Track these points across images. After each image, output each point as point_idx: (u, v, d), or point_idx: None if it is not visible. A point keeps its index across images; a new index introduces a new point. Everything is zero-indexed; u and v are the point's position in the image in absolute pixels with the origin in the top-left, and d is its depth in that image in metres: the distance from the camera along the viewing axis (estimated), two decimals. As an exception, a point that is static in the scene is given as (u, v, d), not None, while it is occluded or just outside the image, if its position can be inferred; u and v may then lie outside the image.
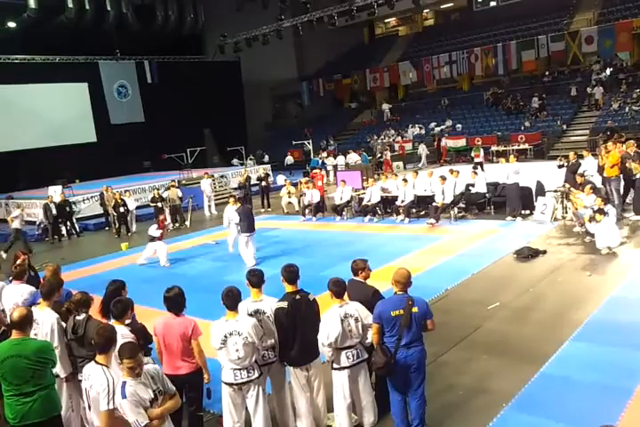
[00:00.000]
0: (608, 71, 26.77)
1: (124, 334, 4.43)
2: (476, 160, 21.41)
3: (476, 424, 4.83)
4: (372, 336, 4.80)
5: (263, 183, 19.45)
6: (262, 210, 18.64)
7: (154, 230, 11.95)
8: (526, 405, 5.08)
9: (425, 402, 4.61)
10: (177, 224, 17.23)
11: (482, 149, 22.47)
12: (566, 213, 12.30)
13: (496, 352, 6.26)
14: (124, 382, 3.71)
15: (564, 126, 25.62)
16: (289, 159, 32.06)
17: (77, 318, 4.81)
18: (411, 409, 4.62)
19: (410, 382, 4.56)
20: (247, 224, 10.99)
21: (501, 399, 5.18)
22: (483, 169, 20.14)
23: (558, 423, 4.73)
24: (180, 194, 17.63)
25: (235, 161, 31.58)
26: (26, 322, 4.25)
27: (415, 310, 4.45)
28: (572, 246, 10.32)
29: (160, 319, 4.81)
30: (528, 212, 13.10)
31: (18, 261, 7.23)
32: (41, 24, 26.02)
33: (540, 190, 13.11)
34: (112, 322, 4.65)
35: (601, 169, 12.70)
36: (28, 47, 26.85)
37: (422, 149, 27.04)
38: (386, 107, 34.56)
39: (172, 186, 17.92)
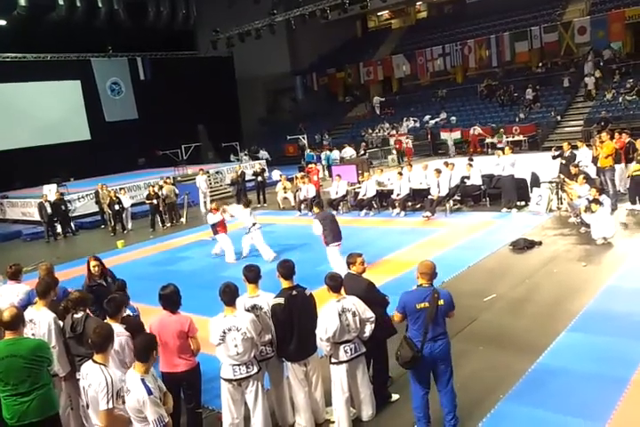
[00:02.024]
0: (597, 65, 26.73)
1: (118, 332, 4.44)
2: (499, 146, 22.32)
3: (475, 416, 4.86)
4: (369, 331, 4.83)
5: (259, 178, 19.43)
6: (258, 205, 18.65)
7: (211, 217, 11.48)
8: (523, 396, 5.11)
9: (456, 396, 4.60)
10: (173, 221, 17.21)
11: (504, 135, 23.80)
12: (561, 203, 12.33)
13: (493, 344, 6.29)
14: (143, 379, 3.76)
15: (559, 117, 25.61)
16: (264, 154, 30.99)
17: (75, 316, 4.80)
18: (443, 403, 4.60)
19: (439, 376, 4.55)
20: (335, 232, 9.24)
21: (498, 391, 5.22)
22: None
23: (555, 414, 4.76)
24: (177, 191, 17.63)
25: (240, 156, 31.13)
26: (17, 322, 4.22)
27: (441, 302, 4.42)
28: (567, 237, 10.35)
29: (156, 318, 4.82)
30: (523, 203, 13.12)
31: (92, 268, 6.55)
32: (32, 22, 25.80)
33: (535, 182, 13.14)
34: (107, 320, 4.65)
35: (595, 159, 12.73)
36: (20, 45, 26.64)
37: (449, 139, 26.88)
38: (377, 100, 34.43)
39: (166, 183, 17.91)
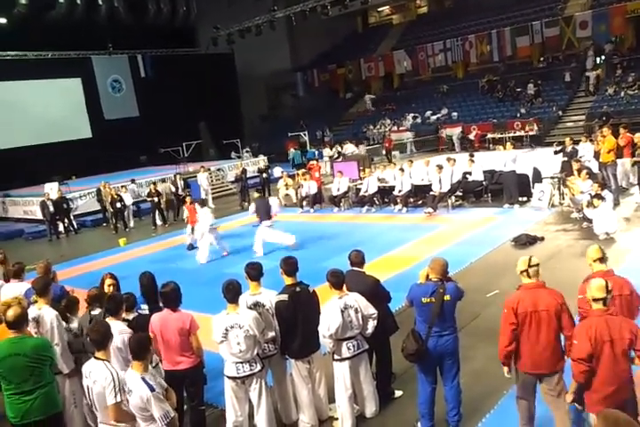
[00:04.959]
0: (598, 60, 26.61)
1: (121, 329, 4.44)
2: (531, 133, 23.66)
3: (478, 412, 4.86)
4: (372, 327, 4.83)
5: (264, 175, 19.42)
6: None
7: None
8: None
9: (461, 392, 4.60)
10: (173, 218, 17.21)
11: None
12: (563, 199, 12.31)
13: (496, 339, 6.22)
14: (143, 377, 3.77)
15: (560, 112, 25.53)
16: (250, 153, 30.57)
17: (93, 312, 4.85)
18: (447, 399, 4.62)
19: (446, 372, 4.57)
20: (264, 214, 11.56)
21: (502, 387, 5.20)
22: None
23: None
24: (173, 189, 17.67)
25: (242, 153, 31.00)
26: (22, 321, 4.23)
27: (447, 298, 4.42)
28: (569, 232, 10.33)
29: (156, 315, 4.82)
30: (525, 199, 13.10)
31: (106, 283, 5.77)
32: (32, 19, 25.79)
33: (537, 177, 13.10)
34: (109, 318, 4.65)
35: (597, 154, 12.69)
36: (20, 43, 26.63)
37: (454, 135, 26.63)
38: (368, 98, 34.25)
39: (163, 181, 18.01)
